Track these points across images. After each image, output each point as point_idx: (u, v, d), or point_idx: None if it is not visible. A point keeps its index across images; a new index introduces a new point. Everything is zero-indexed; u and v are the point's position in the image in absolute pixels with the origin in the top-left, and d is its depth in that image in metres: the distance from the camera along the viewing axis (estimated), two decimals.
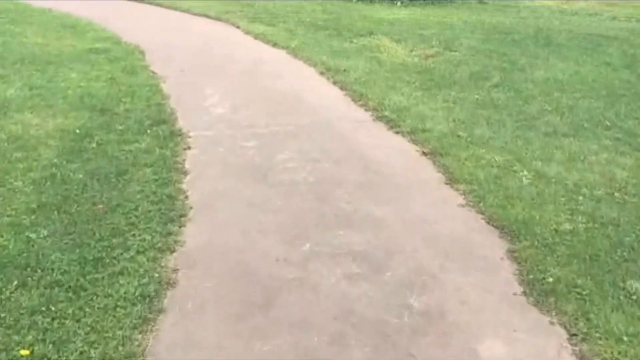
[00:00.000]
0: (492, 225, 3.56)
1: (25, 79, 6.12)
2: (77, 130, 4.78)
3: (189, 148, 4.66)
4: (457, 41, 8.30)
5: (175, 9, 11.11)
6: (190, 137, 4.88)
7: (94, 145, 4.53)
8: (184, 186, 3.98)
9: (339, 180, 4.16)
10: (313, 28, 9.29)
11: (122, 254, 3.10)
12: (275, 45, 8.17)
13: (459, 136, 4.90)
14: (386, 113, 5.47)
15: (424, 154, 4.66)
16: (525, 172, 4.24)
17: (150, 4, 11.62)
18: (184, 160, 4.41)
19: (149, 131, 4.85)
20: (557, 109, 5.67)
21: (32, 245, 3.13)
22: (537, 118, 5.40)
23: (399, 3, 12.31)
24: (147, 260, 3.06)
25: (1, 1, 11.05)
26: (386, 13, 10.96)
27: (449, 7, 12.21)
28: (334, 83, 6.48)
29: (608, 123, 5.29)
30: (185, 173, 4.19)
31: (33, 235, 3.22)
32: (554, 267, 3.10)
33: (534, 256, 3.20)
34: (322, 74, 6.82)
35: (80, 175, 3.97)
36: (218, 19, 10.12)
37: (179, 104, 5.71)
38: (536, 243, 3.32)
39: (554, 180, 4.13)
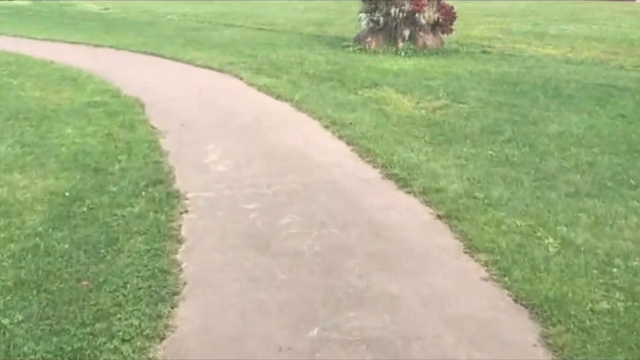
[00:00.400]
0: (521, 304, 3.20)
1: (17, 135, 5.88)
2: (67, 193, 4.48)
3: (186, 212, 4.35)
4: (464, 92, 8.09)
5: (178, 60, 11.01)
6: (187, 198, 4.58)
7: (84, 209, 4.22)
8: (178, 257, 3.64)
9: (347, 248, 3.82)
10: (317, 80, 9.13)
11: (105, 343, 2.74)
12: (278, 97, 7.97)
13: (475, 197, 4.58)
14: (395, 170, 5.18)
15: (439, 217, 4.33)
16: (551, 239, 3.90)
17: (153, 55, 11.55)
18: (179, 226, 4.09)
19: (143, 193, 4.55)
20: (577, 166, 5.36)
21: (4, 334, 2.77)
22: (556, 176, 5.09)
23: (402, 54, 12.23)
24: (133, 351, 2.70)
25: (2, 54, 10.98)
26: (390, 64, 10.83)
27: (453, 57, 12.10)
28: (340, 137, 6.22)
29: (633, 182, 4.97)
30: (180, 241, 3.86)
31: (5, 321, 2.87)
32: (596, 357, 2.72)
33: (572, 343, 2.82)
34: (327, 127, 6.57)
35: (66, 246, 3.65)
36: (221, 70, 9.99)
37: (178, 161, 5.43)
38: (572, 327, 2.95)
39: (582, 248, 3.78)
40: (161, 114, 7.08)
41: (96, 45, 12.84)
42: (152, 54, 11.66)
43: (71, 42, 13.23)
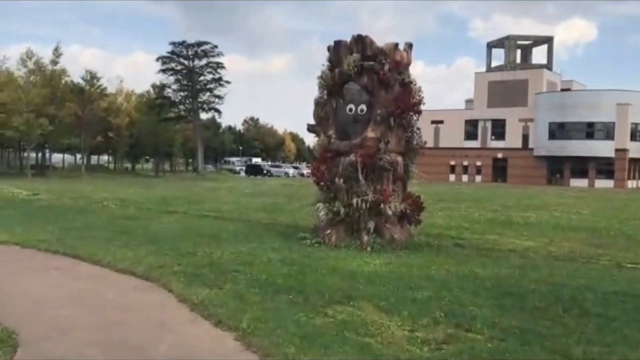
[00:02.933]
0: None
1: None
2: None
3: None
4: (465, 311, 6.19)
5: (96, 262, 8.85)
6: None
7: None
8: None
9: None
10: (271, 289, 7.09)
11: None
12: (219, 324, 5.80)
13: None
14: None
15: None
16: None
17: (67, 255, 9.37)
18: None
19: None
20: None
21: None
22: None
23: (369, 249, 10.53)
24: None
25: None
26: (358, 264, 9.02)
27: (426, 253, 10.48)
28: None
29: None
30: None
31: None
32: None
33: None
34: None
35: None
36: (147, 277, 7.84)
37: None
38: None
39: None
40: None
41: None
42: (65, 253, 9.47)
43: None
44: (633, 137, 57.37)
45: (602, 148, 56.57)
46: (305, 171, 74.88)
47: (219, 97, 63.12)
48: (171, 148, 67.63)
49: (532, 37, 66.18)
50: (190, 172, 76.41)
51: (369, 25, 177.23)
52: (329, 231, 11.06)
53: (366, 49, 11.03)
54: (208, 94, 63.05)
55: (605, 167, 57.46)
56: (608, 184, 55.72)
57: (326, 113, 11.77)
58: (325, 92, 11.81)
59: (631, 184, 57.82)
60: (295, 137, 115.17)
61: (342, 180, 11.03)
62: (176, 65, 62.24)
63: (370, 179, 11.00)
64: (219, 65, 62.94)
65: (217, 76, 62.87)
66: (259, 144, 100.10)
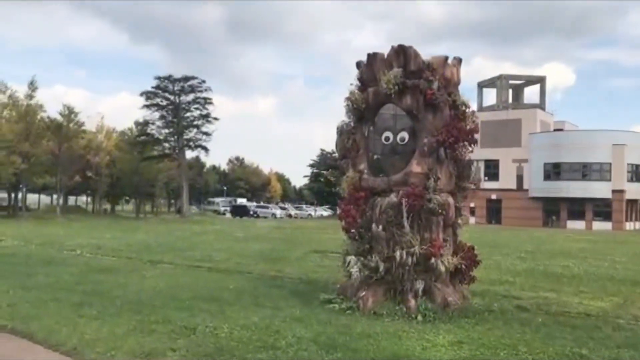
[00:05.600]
0: None
1: None
2: None
3: None
4: None
5: (55, 346, 6.26)
6: None
7: None
8: None
9: None
10: None
11: None
12: None
13: None
14: None
15: None
16: None
17: (13, 335, 6.77)
18: None
19: None
20: None
21: None
22: None
23: (419, 318, 8.10)
24: None
25: None
26: (417, 344, 6.63)
27: (492, 322, 8.11)
28: None
29: None
30: None
31: None
32: None
33: None
34: None
35: None
36: None
37: None
38: None
39: None
40: None
41: None
42: (14, 330, 6.88)
43: None
44: (630, 178, 56.22)
45: (598, 189, 55.16)
46: (293, 212, 72.51)
47: (206, 133, 59.83)
48: (153, 188, 64.52)
49: (524, 76, 65.55)
50: (173, 213, 73.29)
51: (354, 71, 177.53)
52: (363, 293, 8.62)
53: (409, 63, 8.83)
54: (195, 130, 59.99)
55: (602, 209, 55.96)
56: (606, 225, 54.07)
57: (355, 143, 9.49)
58: (354, 117, 9.56)
59: (629, 225, 56.28)
60: (280, 177, 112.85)
61: (380, 227, 8.67)
62: (161, 101, 59.15)
63: (415, 226, 8.66)
64: (207, 101, 59.66)
65: (204, 112, 59.99)
66: (244, 183, 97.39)
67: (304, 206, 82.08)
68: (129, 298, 9.05)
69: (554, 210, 57.11)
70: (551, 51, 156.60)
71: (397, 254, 8.43)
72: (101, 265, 13.61)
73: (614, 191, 54.82)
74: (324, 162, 78.32)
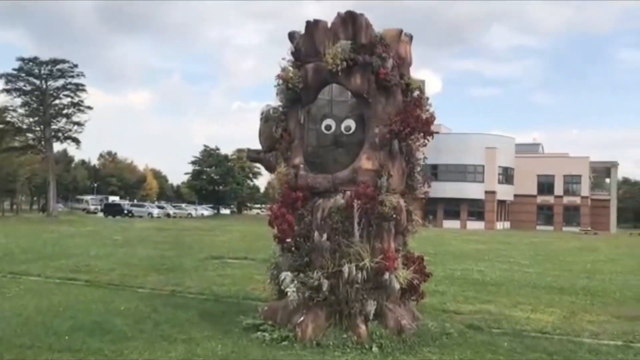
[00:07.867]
0: None
1: None
2: None
3: None
4: None
5: None
6: None
7: None
8: None
9: None
10: None
11: None
12: None
13: None
14: None
15: None
16: None
17: None
18: None
19: None
20: None
21: None
22: None
23: (372, 348, 6.56)
24: None
25: None
26: None
27: (456, 349, 6.79)
28: None
29: None
30: None
31: None
32: None
33: None
34: None
35: None
36: None
37: None
38: None
39: None
40: None
41: None
42: None
43: None
44: (500, 180, 59.59)
45: (472, 190, 57.80)
46: (172, 211, 68.34)
47: (78, 124, 53.38)
48: (13, 184, 57.27)
49: None
50: (38, 212, 66.05)
51: (235, 68, 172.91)
52: (302, 318, 6.89)
53: (359, 35, 7.23)
54: (64, 120, 53.71)
55: (476, 209, 58.74)
56: (479, 225, 56.73)
57: (287, 132, 7.73)
58: (286, 100, 7.78)
59: (499, 225, 59.63)
60: (157, 174, 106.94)
61: (324, 235, 7.00)
62: (24, 85, 52.03)
63: (365, 234, 7.10)
64: (79, 87, 53.20)
65: (76, 100, 53.68)
66: (116, 180, 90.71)
67: (183, 205, 77.84)
68: None
69: (431, 209, 58.88)
70: (422, 60, 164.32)
71: (345, 268, 6.82)
72: None
73: (486, 192, 57.77)
74: (207, 158, 75.01)
